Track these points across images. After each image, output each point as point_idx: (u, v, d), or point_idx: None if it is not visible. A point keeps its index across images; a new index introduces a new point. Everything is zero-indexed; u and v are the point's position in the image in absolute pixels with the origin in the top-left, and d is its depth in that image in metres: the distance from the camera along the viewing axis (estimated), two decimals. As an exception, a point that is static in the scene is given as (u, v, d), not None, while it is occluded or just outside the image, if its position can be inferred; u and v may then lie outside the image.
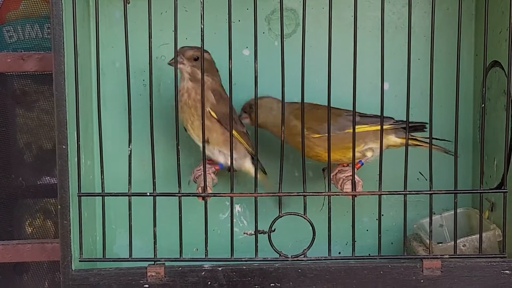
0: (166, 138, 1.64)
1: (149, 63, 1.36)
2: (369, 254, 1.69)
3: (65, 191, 1.38)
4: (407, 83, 1.38)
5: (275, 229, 1.42)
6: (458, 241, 1.45)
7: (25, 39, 1.95)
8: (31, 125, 2.02)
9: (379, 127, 1.46)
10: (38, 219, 2.06)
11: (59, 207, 1.39)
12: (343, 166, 1.55)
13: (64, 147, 1.37)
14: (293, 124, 1.51)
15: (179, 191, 1.40)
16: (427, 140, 1.47)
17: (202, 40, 1.34)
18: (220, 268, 1.42)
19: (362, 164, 1.55)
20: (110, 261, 1.45)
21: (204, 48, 1.38)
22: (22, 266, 2.03)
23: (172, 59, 1.43)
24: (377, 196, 1.43)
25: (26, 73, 1.88)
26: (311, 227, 1.41)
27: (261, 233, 1.42)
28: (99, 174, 1.43)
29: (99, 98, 1.38)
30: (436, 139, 1.50)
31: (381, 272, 1.42)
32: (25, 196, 2.05)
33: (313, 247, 1.41)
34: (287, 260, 1.41)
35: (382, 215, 1.43)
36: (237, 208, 1.73)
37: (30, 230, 2.06)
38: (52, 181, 2.05)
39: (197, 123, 1.47)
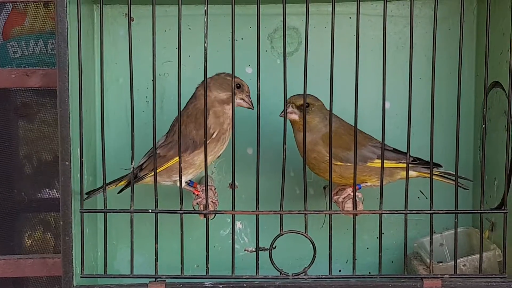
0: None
1: (153, 80, 1.36)
2: (370, 273, 1.69)
3: (67, 207, 1.38)
4: (408, 102, 1.38)
5: (275, 246, 1.42)
6: (458, 260, 1.45)
7: (29, 54, 1.97)
8: (32, 137, 2.03)
9: (398, 165, 1.50)
10: (37, 232, 2.07)
11: (61, 223, 1.39)
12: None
13: (67, 163, 1.37)
14: (319, 150, 1.50)
15: (180, 208, 1.40)
16: (448, 176, 1.54)
17: (206, 58, 1.35)
18: (221, 286, 1.42)
19: (360, 188, 1.55)
20: (111, 277, 1.46)
21: (207, 66, 1.38)
22: (21, 280, 2.03)
23: None
24: (378, 214, 1.43)
25: (29, 88, 1.90)
26: (311, 245, 1.41)
27: (262, 250, 1.42)
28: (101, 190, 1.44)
29: (102, 114, 1.38)
30: (462, 177, 1.52)
31: (382, 291, 1.42)
32: (26, 209, 2.05)
33: (313, 264, 1.42)
34: (288, 278, 1.41)
35: (383, 233, 1.44)
36: (238, 225, 1.73)
37: (29, 243, 2.06)
38: (52, 193, 2.05)
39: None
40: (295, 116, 1.48)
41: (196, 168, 1.49)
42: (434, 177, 1.45)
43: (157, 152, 1.48)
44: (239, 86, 1.48)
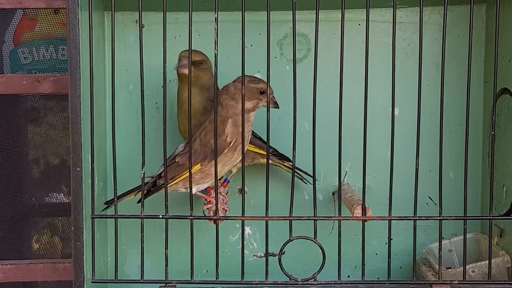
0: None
1: (164, 86, 1.37)
2: (378, 278, 1.70)
3: (78, 213, 1.39)
4: (417, 109, 1.39)
5: (284, 251, 1.42)
6: (467, 266, 1.45)
7: (40, 60, 1.98)
8: (41, 141, 2.04)
9: (257, 150, 1.58)
10: (45, 236, 2.08)
11: (72, 228, 1.39)
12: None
13: (78, 169, 1.38)
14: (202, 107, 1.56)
15: (191, 214, 1.41)
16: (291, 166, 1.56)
17: (216, 64, 1.36)
18: (230, 291, 1.43)
19: (228, 182, 1.62)
20: (121, 282, 1.46)
21: (218, 72, 1.39)
22: (31, 284, 2.04)
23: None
24: (387, 220, 1.43)
25: (40, 94, 1.91)
26: (320, 251, 1.41)
27: (271, 255, 1.42)
28: (112, 195, 1.44)
29: (113, 120, 1.39)
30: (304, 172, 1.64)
31: (391, 296, 1.42)
32: (35, 214, 2.06)
33: (322, 270, 1.42)
34: (297, 284, 1.41)
35: (391, 239, 1.44)
36: (247, 230, 1.74)
37: (37, 247, 2.07)
38: (60, 197, 2.06)
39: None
40: (185, 70, 1.51)
41: (213, 178, 1.48)
42: (286, 169, 1.63)
43: (176, 160, 1.49)
44: (263, 92, 1.47)
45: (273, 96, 1.47)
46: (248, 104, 1.47)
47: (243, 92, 1.38)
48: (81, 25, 1.37)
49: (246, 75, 1.45)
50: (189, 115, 1.38)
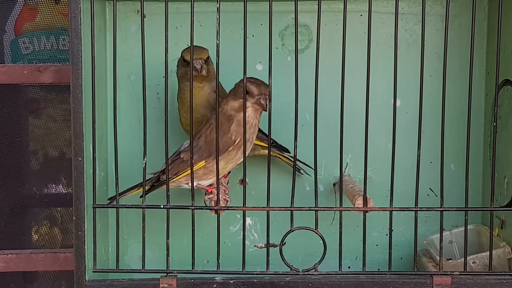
0: (180, 150, 1.65)
1: (165, 77, 1.37)
2: (379, 269, 1.70)
3: (80, 203, 1.39)
4: (419, 100, 1.39)
5: (285, 242, 1.42)
6: (468, 258, 1.46)
7: (41, 50, 1.98)
8: (40, 132, 2.05)
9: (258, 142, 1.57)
10: (44, 227, 2.08)
11: (74, 218, 1.40)
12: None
13: (80, 159, 1.38)
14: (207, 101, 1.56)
15: (192, 204, 1.41)
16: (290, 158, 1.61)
17: (218, 55, 1.35)
18: (231, 281, 1.42)
19: (229, 172, 1.62)
20: (123, 272, 1.47)
21: (219, 63, 1.39)
22: (30, 273, 2.04)
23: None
24: (388, 211, 1.43)
25: (41, 84, 1.90)
26: (321, 241, 1.42)
27: (272, 246, 1.43)
28: (113, 185, 1.44)
29: (115, 111, 1.39)
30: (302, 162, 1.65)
31: (391, 287, 1.42)
32: (36, 204, 2.06)
33: (323, 260, 1.42)
34: (298, 274, 1.42)
35: (392, 230, 1.44)
36: (248, 221, 1.74)
37: (36, 238, 2.07)
38: (59, 188, 2.06)
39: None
40: (204, 71, 1.51)
41: (215, 175, 1.48)
42: (285, 160, 1.65)
43: (181, 156, 1.49)
44: (247, 92, 1.43)
45: (260, 98, 1.43)
46: (240, 105, 1.44)
47: (244, 83, 1.38)
48: (83, 15, 1.37)
49: (240, 81, 1.44)
50: (191, 112, 1.38)
